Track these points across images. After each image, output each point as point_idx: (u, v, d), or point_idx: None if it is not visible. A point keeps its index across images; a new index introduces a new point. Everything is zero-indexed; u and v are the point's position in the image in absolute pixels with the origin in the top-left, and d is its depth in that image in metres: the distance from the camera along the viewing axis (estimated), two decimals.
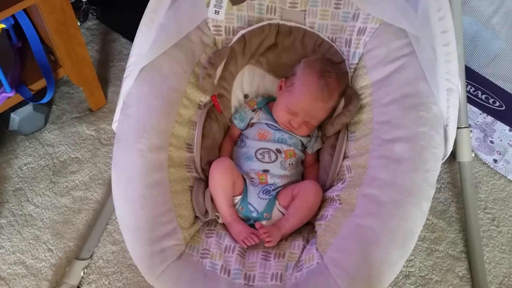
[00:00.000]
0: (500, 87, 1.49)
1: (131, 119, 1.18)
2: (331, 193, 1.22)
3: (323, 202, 1.24)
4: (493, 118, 1.58)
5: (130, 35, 1.94)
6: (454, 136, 1.16)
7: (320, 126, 1.42)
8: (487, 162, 1.66)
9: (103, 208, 1.48)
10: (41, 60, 1.54)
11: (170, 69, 1.28)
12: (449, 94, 1.14)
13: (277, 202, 1.27)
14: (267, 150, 1.35)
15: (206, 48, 1.41)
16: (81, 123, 1.75)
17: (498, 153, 1.62)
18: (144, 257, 1.07)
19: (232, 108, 1.47)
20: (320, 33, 1.43)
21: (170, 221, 1.13)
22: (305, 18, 1.43)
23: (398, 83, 1.21)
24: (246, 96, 1.50)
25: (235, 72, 1.44)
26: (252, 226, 1.24)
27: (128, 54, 1.90)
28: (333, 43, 1.43)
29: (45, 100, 1.57)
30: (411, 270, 1.45)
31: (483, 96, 1.55)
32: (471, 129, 1.46)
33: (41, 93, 1.56)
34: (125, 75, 1.24)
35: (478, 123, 1.62)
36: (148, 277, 1.07)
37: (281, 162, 1.33)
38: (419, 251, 1.48)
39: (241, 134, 1.44)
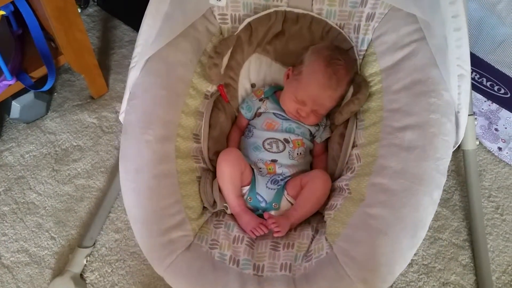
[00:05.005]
0: (506, 74, 1.48)
1: (137, 110, 1.17)
2: (340, 182, 1.21)
3: (332, 191, 1.24)
4: (498, 106, 1.57)
5: (131, 22, 1.95)
6: (466, 123, 1.15)
7: (329, 115, 1.41)
8: (491, 150, 1.65)
9: (106, 196, 1.47)
10: (42, 47, 1.52)
11: (176, 59, 1.26)
12: (460, 80, 1.12)
13: (285, 192, 1.26)
14: (275, 140, 1.34)
15: (212, 37, 1.39)
16: (82, 110, 1.73)
17: (503, 141, 1.61)
18: (153, 249, 1.06)
19: (239, 97, 1.46)
20: (328, 19, 1.41)
21: (178, 212, 1.12)
22: (312, 4, 1.40)
23: (409, 70, 1.19)
24: (253, 85, 1.48)
25: (241, 61, 1.43)
26: (260, 216, 1.24)
27: (129, 41, 1.92)
28: (341, 30, 1.41)
29: (46, 88, 1.55)
30: (414, 258, 1.45)
31: (488, 83, 1.54)
32: (475, 116, 1.45)
33: (42, 80, 1.54)
34: (131, 65, 1.22)
35: (482, 110, 1.61)
36: (157, 268, 1.06)
37: (289, 152, 1.32)
38: (422, 239, 1.48)
39: (248, 124, 1.43)
